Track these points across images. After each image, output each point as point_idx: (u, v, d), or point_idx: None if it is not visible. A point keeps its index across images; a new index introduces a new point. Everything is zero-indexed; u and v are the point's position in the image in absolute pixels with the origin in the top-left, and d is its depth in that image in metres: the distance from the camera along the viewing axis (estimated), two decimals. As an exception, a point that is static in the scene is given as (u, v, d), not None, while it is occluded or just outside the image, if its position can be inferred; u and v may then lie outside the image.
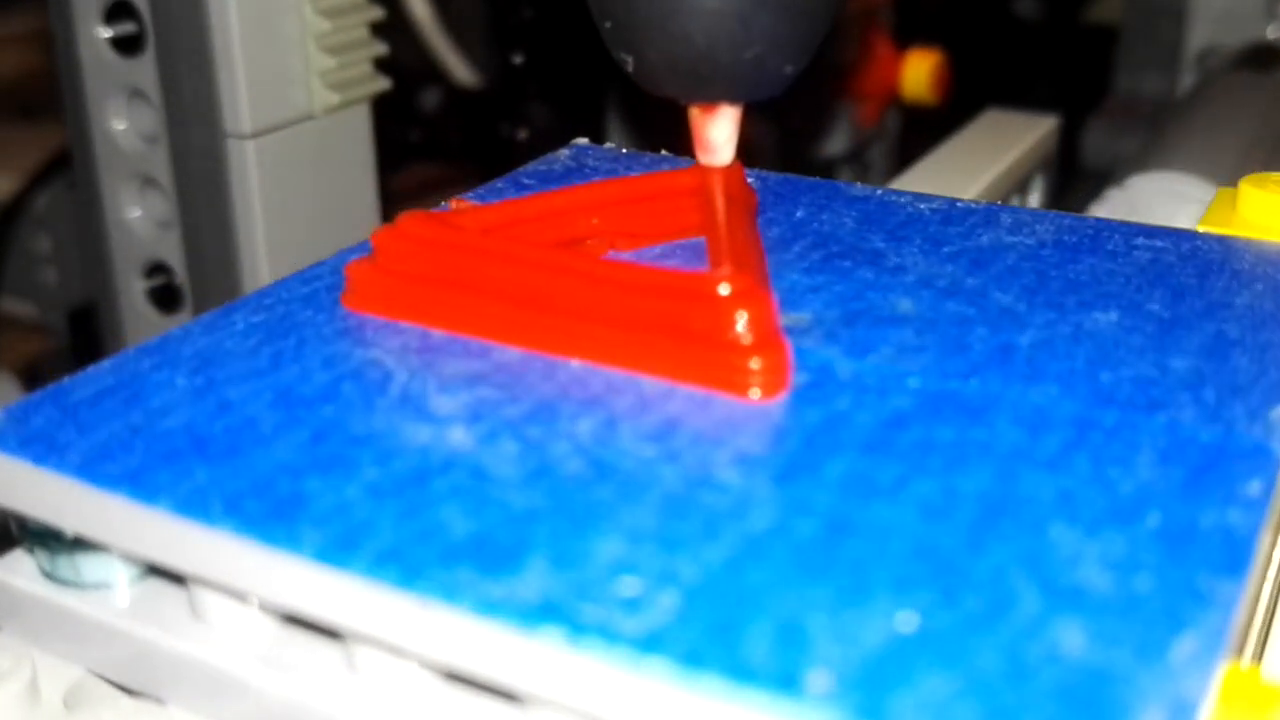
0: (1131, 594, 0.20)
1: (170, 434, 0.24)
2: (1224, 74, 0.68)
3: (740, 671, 0.19)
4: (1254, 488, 0.22)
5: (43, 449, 0.24)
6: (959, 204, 0.34)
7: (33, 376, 0.68)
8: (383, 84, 0.52)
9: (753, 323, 0.26)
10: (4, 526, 0.25)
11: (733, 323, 0.26)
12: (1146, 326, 0.28)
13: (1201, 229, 0.33)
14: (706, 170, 0.32)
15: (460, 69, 0.71)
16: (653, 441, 0.24)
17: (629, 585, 0.20)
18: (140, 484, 0.23)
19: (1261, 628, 0.24)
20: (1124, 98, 0.79)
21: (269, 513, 0.22)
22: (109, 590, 0.25)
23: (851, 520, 0.22)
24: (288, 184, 0.49)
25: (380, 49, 0.51)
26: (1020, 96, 0.68)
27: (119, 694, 0.25)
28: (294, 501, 0.22)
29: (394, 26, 0.54)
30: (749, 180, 0.34)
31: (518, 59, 0.66)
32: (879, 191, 0.35)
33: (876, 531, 0.21)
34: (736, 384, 0.25)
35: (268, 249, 0.49)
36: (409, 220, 0.29)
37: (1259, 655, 0.24)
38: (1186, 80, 0.77)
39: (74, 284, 0.68)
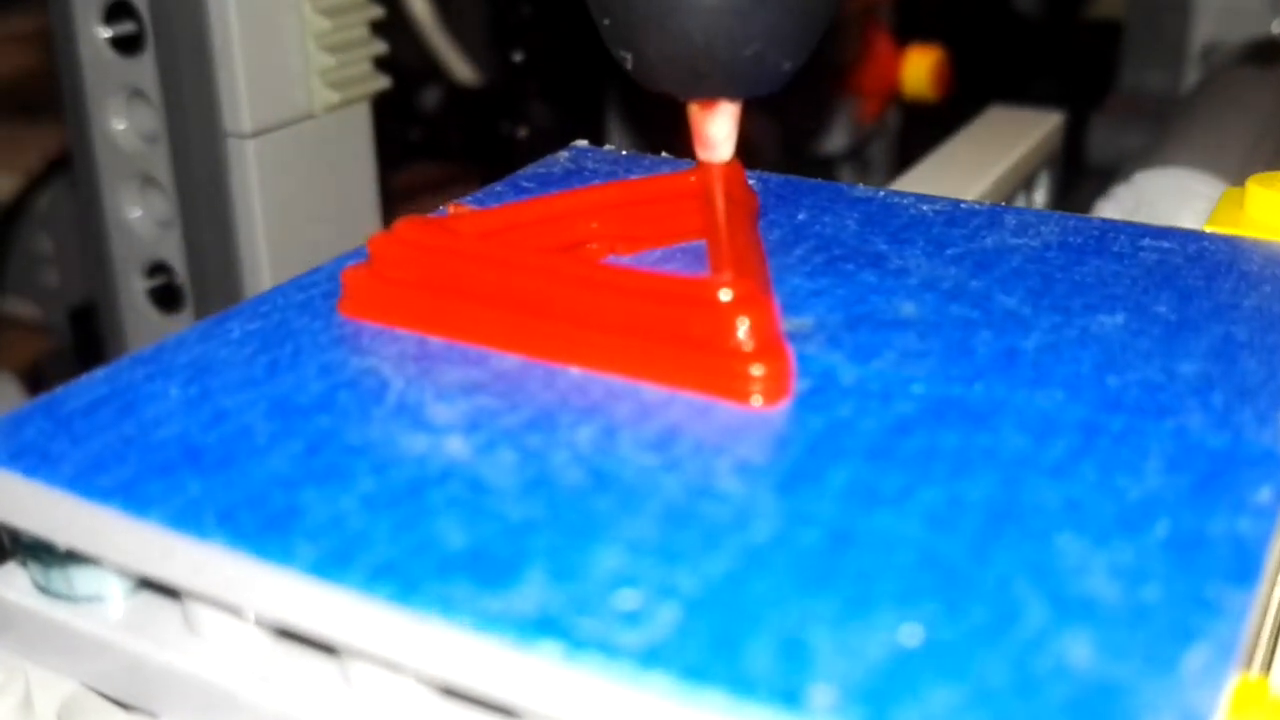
0: (1140, 604, 0.20)
1: (164, 445, 0.24)
2: (1229, 69, 0.67)
3: (742, 686, 0.18)
4: (1264, 495, 0.22)
5: (35, 461, 0.24)
6: (962, 205, 0.34)
7: (35, 377, 0.67)
8: (383, 83, 0.51)
9: (754, 329, 0.25)
10: (-3, 539, 0.25)
11: (734, 329, 0.25)
12: (1153, 329, 0.27)
13: (1208, 229, 0.32)
14: (707, 172, 0.32)
15: (460, 67, 0.70)
16: (653, 450, 0.24)
17: (628, 598, 0.20)
18: (133, 496, 0.22)
19: (1271, 637, 0.24)
20: (1128, 94, 0.79)
21: (263, 525, 0.22)
22: (102, 603, 0.24)
23: (855, 530, 0.21)
24: (288, 183, 0.49)
25: (380, 47, 0.51)
26: (1022, 93, 0.68)
27: (113, 708, 0.24)
28: (288, 514, 0.22)
29: (394, 25, 0.54)
30: (750, 182, 0.33)
31: (518, 57, 0.66)
32: (881, 193, 0.35)
33: (880, 542, 0.21)
34: (738, 391, 0.25)
35: (268, 248, 0.48)
36: (406, 226, 0.29)
37: (1268, 666, 0.24)
38: (1191, 76, 0.76)
39: (75, 284, 0.68)
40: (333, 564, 0.21)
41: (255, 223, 0.48)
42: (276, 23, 0.47)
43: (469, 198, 0.34)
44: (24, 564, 0.25)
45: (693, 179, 0.32)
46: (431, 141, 0.72)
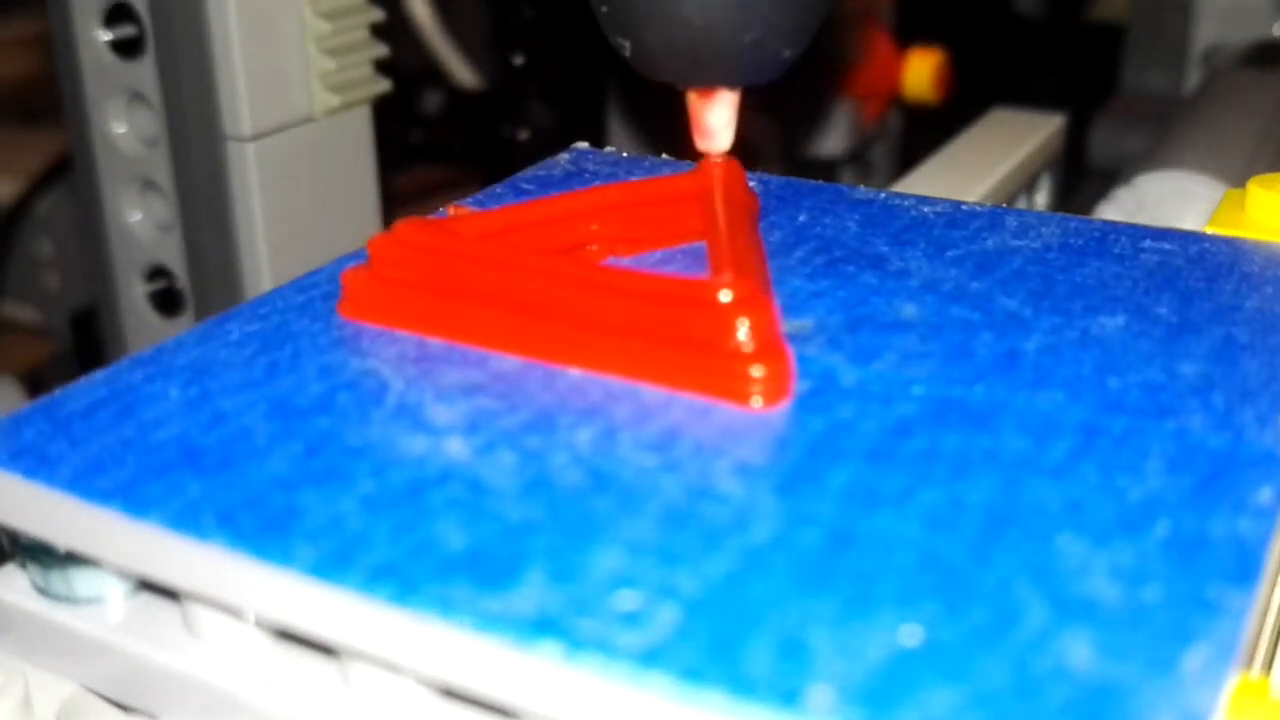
0: (1140, 605, 0.19)
1: (163, 446, 0.24)
2: (1230, 71, 0.67)
3: (741, 687, 0.18)
4: (1264, 495, 0.22)
5: (34, 463, 0.24)
6: (963, 207, 0.34)
7: (36, 381, 0.67)
8: (383, 86, 0.51)
9: (754, 330, 0.25)
10: (-4, 541, 0.25)
11: (734, 330, 0.25)
12: (1154, 331, 0.27)
13: (1209, 231, 0.32)
14: (708, 173, 0.32)
15: (461, 70, 0.70)
16: (653, 451, 0.24)
17: (628, 599, 0.20)
18: (133, 498, 0.22)
19: (1271, 638, 0.24)
20: (1130, 96, 0.79)
21: (262, 527, 0.22)
22: (102, 605, 0.24)
23: (855, 531, 0.21)
24: (288, 186, 0.48)
25: (380, 51, 0.51)
26: (1023, 95, 0.67)
27: (113, 709, 0.24)
28: (288, 515, 0.22)
29: (394, 28, 0.54)
30: (751, 184, 0.33)
31: (518, 60, 0.66)
32: (882, 195, 0.35)
33: (880, 543, 0.21)
34: (738, 392, 0.25)
35: (269, 251, 0.48)
36: (406, 227, 0.29)
37: (1268, 666, 0.24)
38: (1193, 78, 0.76)
39: (76, 288, 0.68)
40: (332, 565, 0.21)
41: (255, 226, 0.48)
42: (277, 26, 0.47)
43: (469, 199, 0.34)
44: (23, 566, 0.25)
45: (693, 181, 0.32)
46: (432, 144, 0.72)
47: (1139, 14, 0.80)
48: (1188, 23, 0.76)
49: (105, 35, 0.48)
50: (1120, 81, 0.81)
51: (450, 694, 0.21)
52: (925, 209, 0.33)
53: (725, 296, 0.25)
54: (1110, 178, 0.56)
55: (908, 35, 0.72)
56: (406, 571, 0.20)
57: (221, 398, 0.25)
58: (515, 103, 0.67)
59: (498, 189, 0.35)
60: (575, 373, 0.26)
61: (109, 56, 0.49)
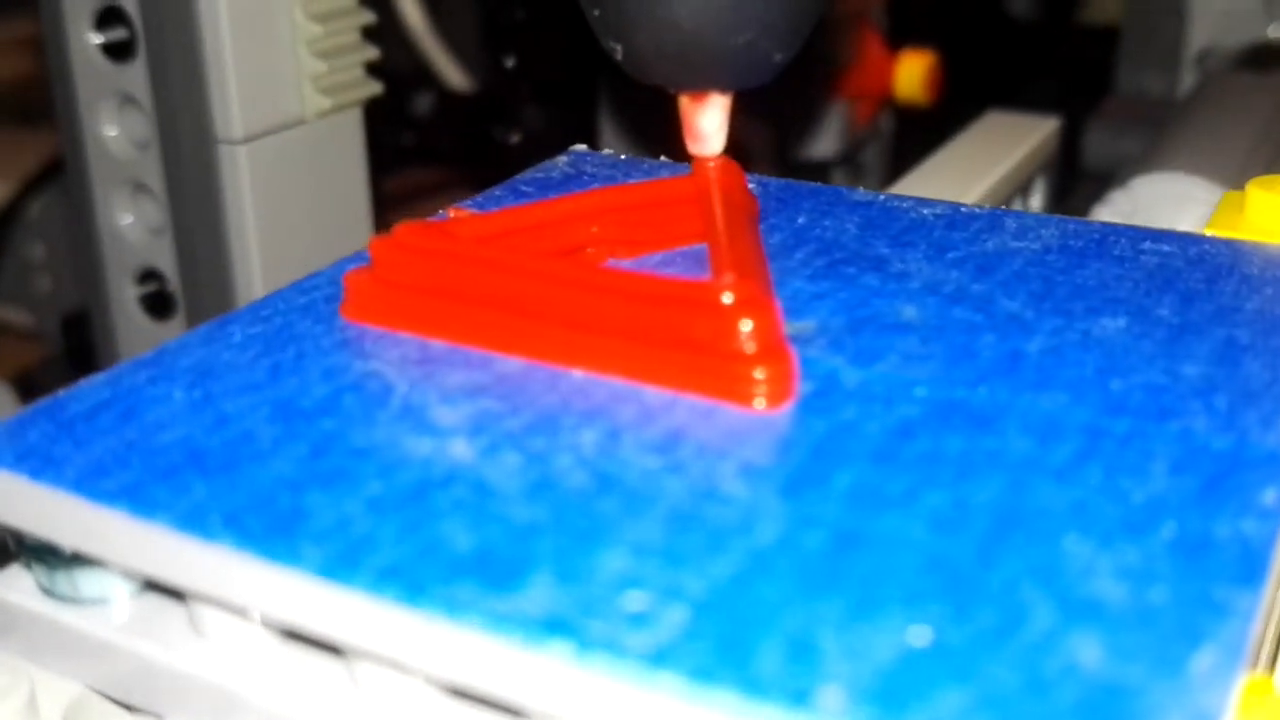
0: (1148, 606, 0.20)
1: (168, 448, 0.24)
2: (1225, 74, 0.67)
3: (752, 687, 0.18)
4: (1269, 497, 0.22)
5: (39, 463, 0.24)
6: (963, 209, 0.34)
7: (27, 385, 0.67)
8: (374, 88, 0.51)
9: (757, 331, 0.25)
10: (1, 542, 0.25)
11: (737, 332, 0.25)
12: (1156, 332, 0.27)
13: (1209, 232, 0.32)
14: (706, 174, 0.32)
15: (452, 73, 0.70)
16: (657, 453, 0.24)
17: (636, 600, 0.20)
18: (139, 499, 0.22)
19: (1275, 638, 0.24)
20: (1125, 98, 0.79)
21: (270, 528, 0.22)
22: (107, 606, 0.24)
23: (861, 533, 0.21)
24: (280, 189, 0.48)
25: (372, 53, 0.51)
26: (1017, 97, 0.68)
27: (118, 710, 0.24)
28: (294, 516, 0.22)
29: (385, 30, 0.54)
30: (749, 186, 0.33)
31: (510, 62, 0.66)
32: (881, 197, 0.35)
33: (886, 544, 0.21)
34: (741, 394, 0.25)
35: (260, 254, 0.48)
36: (407, 230, 0.29)
37: (1271, 665, 0.24)
38: (1187, 80, 0.76)
39: (68, 291, 0.68)
40: (340, 566, 0.21)
41: (247, 229, 0.48)
42: (268, 28, 0.47)
43: (469, 201, 0.34)
44: (28, 566, 0.25)
45: (693, 183, 0.32)
46: (423, 147, 0.73)
47: (1133, 16, 0.80)
48: (1182, 25, 0.76)
49: (96, 38, 0.48)
50: (1114, 84, 0.81)
51: (456, 693, 0.21)
52: (925, 211, 0.34)
53: (728, 298, 0.25)
54: (1105, 180, 0.56)
55: (899, 37, 0.72)
56: (414, 572, 0.20)
57: (225, 399, 0.25)
58: (506, 105, 0.67)
59: (496, 191, 0.35)
60: (578, 375, 0.26)
61: (100, 59, 0.48)
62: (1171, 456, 0.23)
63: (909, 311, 0.28)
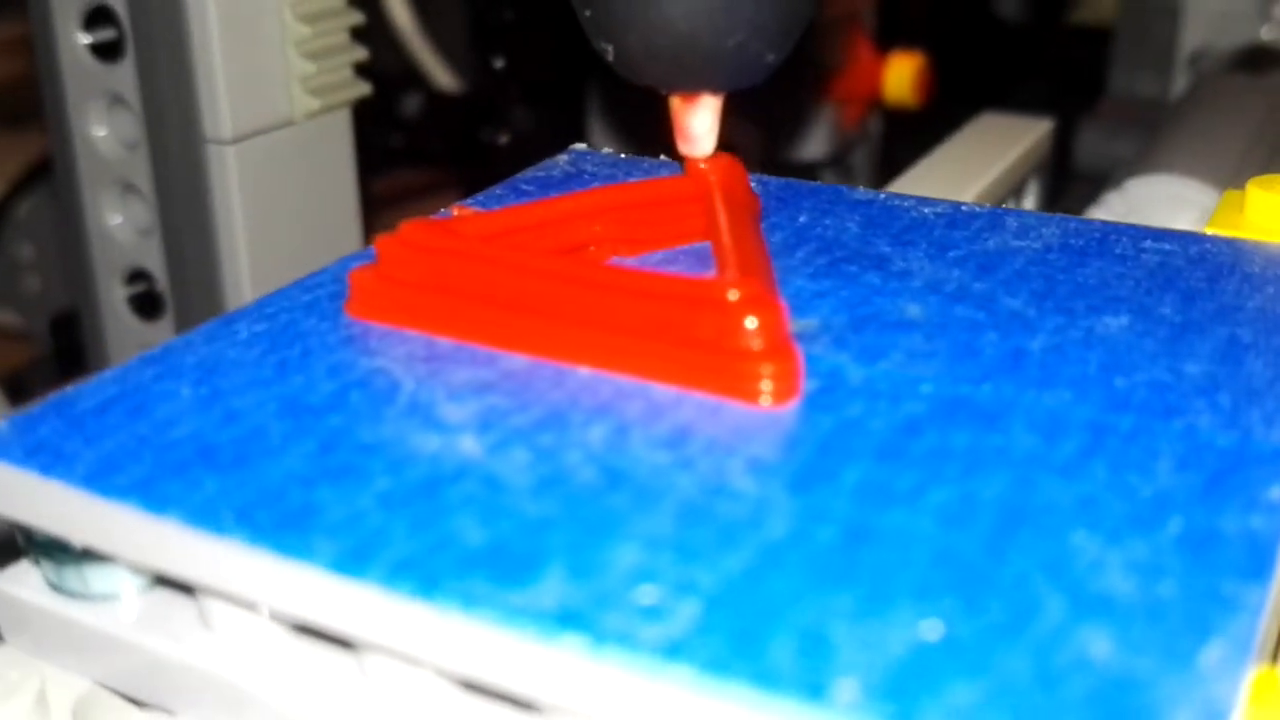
0: (1157, 600, 0.20)
1: (178, 444, 0.24)
2: (1218, 76, 0.67)
3: (766, 680, 0.18)
4: (1274, 492, 0.22)
5: (49, 459, 0.24)
6: (963, 208, 0.34)
7: (16, 385, 0.67)
8: (363, 89, 0.51)
9: (763, 329, 0.25)
10: (9, 538, 0.25)
11: (743, 329, 0.25)
12: (1158, 331, 0.27)
13: (1209, 232, 0.32)
14: (709, 173, 0.32)
15: (441, 74, 0.71)
16: (665, 449, 0.24)
17: (648, 594, 0.20)
18: (150, 494, 0.22)
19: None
20: (1118, 100, 0.79)
21: (281, 523, 0.22)
22: (116, 601, 0.24)
23: (870, 527, 0.21)
24: (268, 190, 0.49)
25: (361, 54, 0.51)
26: (1009, 99, 0.68)
27: (128, 705, 0.24)
28: (306, 511, 0.22)
29: (374, 31, 0.54)
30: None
31: (499, 63, 0.66)
32: (882, 196, 0.35)
33: (896, 539, 0.21)
34: (747, 391, 0.25)
35: (249, 255, 0.48)
36: (412, 227, 0.29)
37: (1274, 657, 0.24)
38: (1180, 82, 0.76)
39: (57, 292, 0.68)
40: (353, 560, 0.21)
41: (235, 229, 0.48)
42: (257, 29, 0.47)
43: (471, 200, 0.34)
44: (37, 562, 0.25)
45: (696, 182, 0.32)
46: (412, 148, 0.73)
47: (1125, 17, 0.80)
48: (1175, 27, 0.77)
49: (85, 38, 0.48)
50: (1108, 85, 0.81)
51: (468, 686, 0.21)
52: (925, 210, 0.34)
53: (733, 295, 0.26)
54: (1097, 182, 0.56)
55: (888, 39, 0.72)
56: (427, 567, 0.21)
57: (233, 396, 0.25)
58: (496, 106, 0.67)
59: (497, 190, 0.35)
60: (584, 371, 0.26)
61: (89, 60, 0.49)
62: (1176, 453, 0.23)
63: (912, 309, 0.28)
